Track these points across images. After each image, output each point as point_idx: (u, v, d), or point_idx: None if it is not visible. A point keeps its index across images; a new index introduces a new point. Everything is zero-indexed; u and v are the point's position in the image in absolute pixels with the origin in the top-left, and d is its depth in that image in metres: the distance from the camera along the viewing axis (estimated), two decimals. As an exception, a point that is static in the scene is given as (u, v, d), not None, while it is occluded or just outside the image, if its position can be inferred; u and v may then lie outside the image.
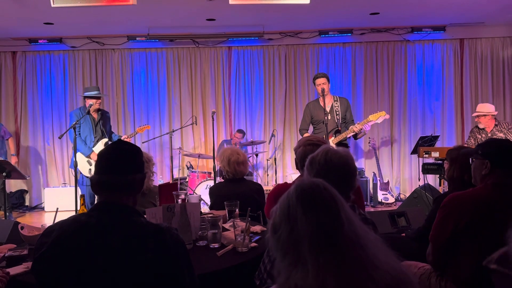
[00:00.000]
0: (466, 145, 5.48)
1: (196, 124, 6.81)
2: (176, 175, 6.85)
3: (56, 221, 1.56)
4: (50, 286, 1.37)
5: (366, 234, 1.12)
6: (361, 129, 4.93)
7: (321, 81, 4.99)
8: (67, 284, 1.35)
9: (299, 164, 2.39)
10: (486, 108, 5.39)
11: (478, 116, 5.41)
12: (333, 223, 1.09)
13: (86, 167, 5.17)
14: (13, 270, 1.84)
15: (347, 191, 1.75)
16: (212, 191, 3.31)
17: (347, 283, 1.02)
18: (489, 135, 5.31)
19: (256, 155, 6.97)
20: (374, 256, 1.07)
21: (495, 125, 5.33)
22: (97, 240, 1.37)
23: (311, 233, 1.07)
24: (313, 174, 1.77)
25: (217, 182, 5.16)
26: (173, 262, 1.40)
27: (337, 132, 4.94)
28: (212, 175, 5.85)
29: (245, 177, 3.35)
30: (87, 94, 5.24)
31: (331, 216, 1.11)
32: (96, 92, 5.26)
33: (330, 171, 1.73)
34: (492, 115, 5.33)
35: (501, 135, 5.25)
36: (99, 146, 5.20)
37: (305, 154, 2.11)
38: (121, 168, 1.49)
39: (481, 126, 5.38)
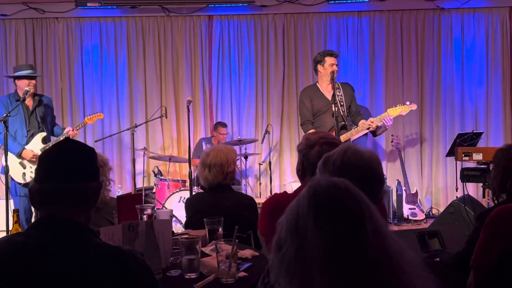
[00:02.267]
0: None
1: (166, 117, 6.76)
2: (139, 184, 6.82)
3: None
4: None
5: (401, 253, 1.08)
6: (381, 124, 4.96)
7: (334, 60, 5.02)
8: None
9: (311, 170, 2.36)
10: None
11: None
12: (355, 241, 1.05)
13: (19, 171, 5.13)
14: None
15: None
16: (189, 204, 3.30)
17: None
18: None
19: (245, 157, 6.97)
20: (409, 284, 1.05)
21: None
22: (38, 267, 1.36)
23: (325, 253, 1.04)
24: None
25: (194, 193, 5.15)
26: None
27: (343, 128, 4.94)
28: (188, 184, 5.84)
29: (233, 187, 3.34)
30: (17, 74, 5.22)
31: (353, 231, 1.07)
32: (29, 72, 5.25)
33: (346, 176, 1.73)
34: None
35: None
36: (35, 142, 5.18)
37: (321, 156, 2.10)
38: (70, 174, 1.48)
39: None
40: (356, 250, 1.04)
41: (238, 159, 6.81)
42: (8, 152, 4.84)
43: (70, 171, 1.48)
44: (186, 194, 5.81)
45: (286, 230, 1.12)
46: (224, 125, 6.96)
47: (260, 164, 7.28)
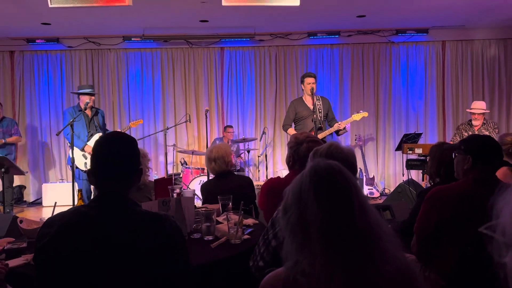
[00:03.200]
0: (451, 142, 5.53)
1: (190, 122, 6.77)
2: (170, 171, 6.81)
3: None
4: (51, 277, 1.35)
5: (379, 225, 1.05)
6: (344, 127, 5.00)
7: (311, 80, 5.02)
8: (69, 275, 1.33)
9: (299, 161, 2.34)
10: (482, 105, 5.38)
11: (476, 113, 5.33)
12: (345, 212, 1.02)
13: (82, 161, 5.14)
14: (12, 262, 1.81)
15: None
16: (204, 188, 3.25)
17: (355, 275, 0.98)
18: (476, 132, 5.29)
19: (248, 151, 6.96)
20: (385, 250, 1.02)
21: (483, 123, 5.34)
22: (98, 230, 1.35)
23: (321, 221, 1.01)
24: None
25: (211, 177, 5.14)
26: (172, 248, 1.39)
27: (319, 129, 4.96)
28: (206, 171, 5.83)
29: (236, 173, 3.31)
30: (80, 91, 5.23)
31: (344, 204, 1.03)
32: (89, 90, 5.27)
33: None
34: (484, 113, 5.35)
35: (486, 133, 5.25)
36: (94, 140, 5.16)
37: (309, 150, 2.09)
38: (120, 174, 1.45)
39: (476, 123, 5.33)
40: (345, 218, 1.02)
41: (242, 153, 6.84)
42: (74, 147, 4.85)
43: (120, 165, 1.45)
44: (204, 178, 5.81)
45: (292, 198, 1.08)
46: (230, 126, 6.94)
47: (258, 156, 7.27)
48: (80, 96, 5.26)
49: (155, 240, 1.35)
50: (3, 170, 4.54)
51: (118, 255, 1.32)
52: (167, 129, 6.28)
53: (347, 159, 1.77)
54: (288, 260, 1.05)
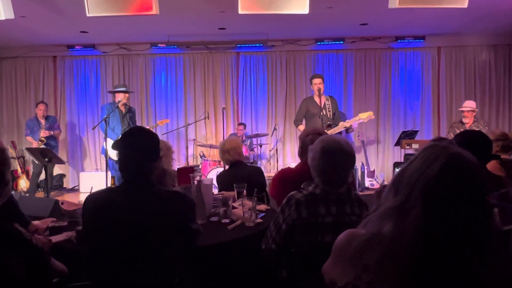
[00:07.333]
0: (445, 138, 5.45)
1: (208, 119, 6.80)
2: (190, 163, 6.85)
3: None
4: (94, 238, 1.50)
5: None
6: (351, 125, 4.94)
7: (317, 81, 5.00)
8: (107, 243, 1.45)
9: (307, 152, 2.35)
10: (471, 104, 5.33)
11: (465, 110, 5.29)
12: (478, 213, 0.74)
13: (114, 152, 5.18)
14: (55, 238, 1.87)
15: (346, 171, 1.73)
16: (219, 179, 3.23)
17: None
18: (467, 129, 5.23)
19: (260, 146, 6.95)
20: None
21: (474, 121, 5.27)
22: (124, 207, 1.46)
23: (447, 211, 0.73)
24: (316, 162, 1.74)
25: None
26: (190, 213, 1.58)
27: (329, 126, 4.93)
28: (222, 163, 5.85)
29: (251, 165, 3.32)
30: (117, 90, 5.32)
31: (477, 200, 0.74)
32: (124, 88, 5.35)
33: (328, 154, 1.71)
34: (474, 111, 5.28)
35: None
36: None
37: (312, 142, 2.09)
38: (143, 157, 1.57)
39: (465, 120, 5.28)
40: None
41: (255, 147, 6.84)
42: (108, 139, 4.90)
43: (143, 155, 1.56)
44: (220, 169, 5.82)
45: (407, 180, 0.84)
46: (240, 124, 6.87)
47: (270, 150, 7.26)
48: (116, 94, 5.32)
49: (179, 207, 1.51)
50: (46, 159, 4.63)
51: (140, 226, 1.43)
52: (188, 125, 6.31)
53: (341, 147, 1.75)
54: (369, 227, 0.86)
